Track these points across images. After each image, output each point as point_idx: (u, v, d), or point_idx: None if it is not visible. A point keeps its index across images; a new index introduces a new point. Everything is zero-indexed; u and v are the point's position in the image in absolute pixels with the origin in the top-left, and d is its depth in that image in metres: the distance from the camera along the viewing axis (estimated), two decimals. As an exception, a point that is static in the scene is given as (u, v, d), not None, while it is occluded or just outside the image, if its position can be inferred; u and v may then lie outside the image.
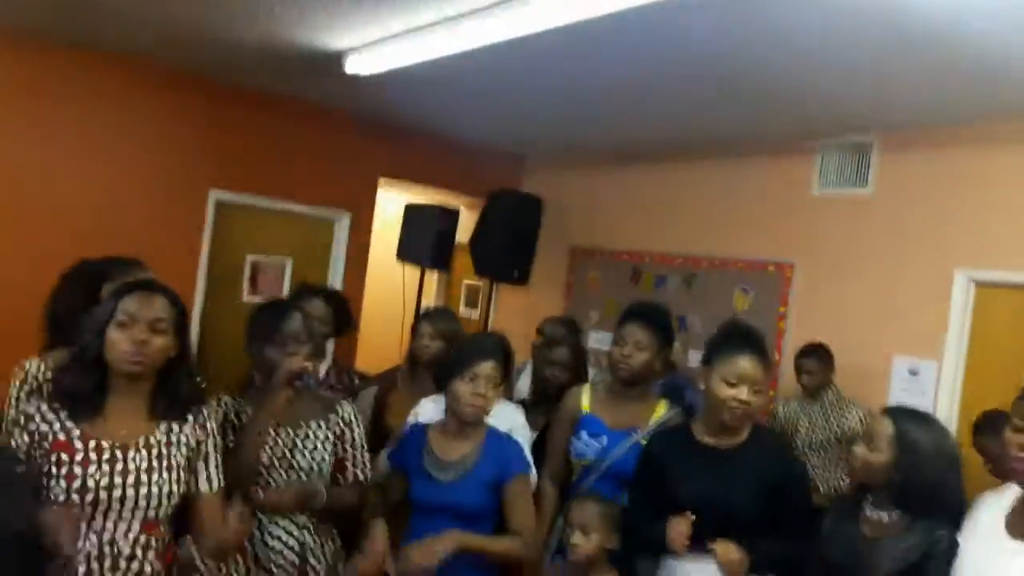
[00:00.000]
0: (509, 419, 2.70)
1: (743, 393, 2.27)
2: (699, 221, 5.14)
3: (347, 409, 2.40)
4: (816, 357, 4.04)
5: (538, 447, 2.90)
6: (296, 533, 2.26)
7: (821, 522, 2.25)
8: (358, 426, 2.40)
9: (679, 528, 2.23)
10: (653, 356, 2.69)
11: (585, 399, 2.78)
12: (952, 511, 2.02)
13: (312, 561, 2.27)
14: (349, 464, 2.37)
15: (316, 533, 2.31)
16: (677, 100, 4.11)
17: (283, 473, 2.24)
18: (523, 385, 3.80)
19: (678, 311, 5.03)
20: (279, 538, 2.24)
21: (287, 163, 5.13)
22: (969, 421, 3.84)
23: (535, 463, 2.79)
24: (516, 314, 5.97)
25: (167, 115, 4.66)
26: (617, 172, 5.68)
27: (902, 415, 2.16)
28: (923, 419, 2.16)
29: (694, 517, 2.22)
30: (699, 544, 2.23)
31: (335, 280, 5.43)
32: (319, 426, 2.32)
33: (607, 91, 4.11)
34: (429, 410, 2.73)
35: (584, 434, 2.68)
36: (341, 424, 2.37)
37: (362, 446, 2.40)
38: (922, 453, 2.05)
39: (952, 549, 1.98)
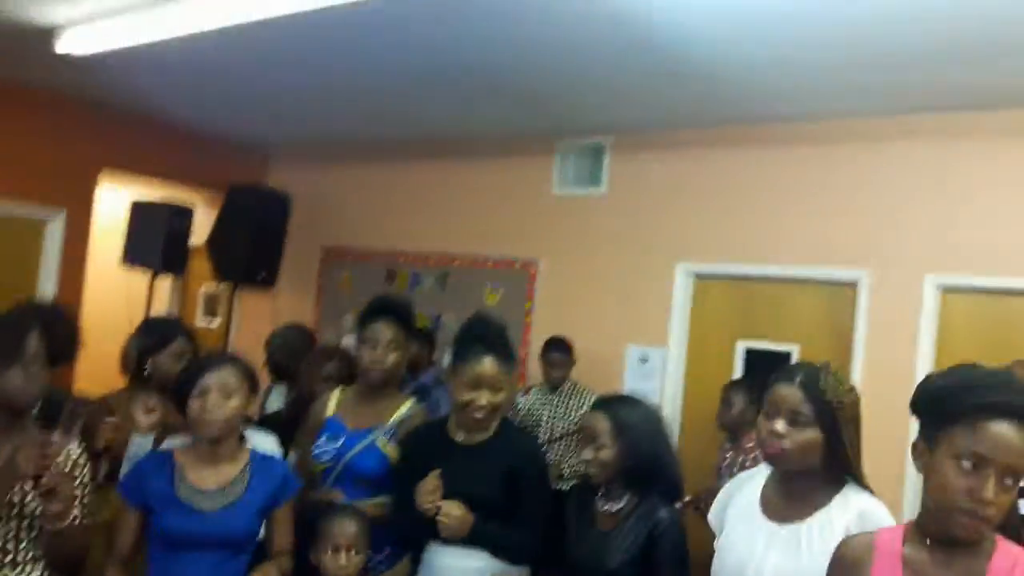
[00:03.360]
0: (261, 445, 2.52)
1: (483, 398, 2.33)
2: (451, 220, 5.19)
3: (74, 449, 2.10)
4: (562, 350, 4.22)
5: None
6: None
7: (564, 507, 2.34)
8: (83, 460, 2.10)
9: (426, 487, 2.27)
10: (405, 353, 2.66)
11: (332, 403, 2.70)
12: (671, 483, 2.23)
13: None
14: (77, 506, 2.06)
15: None
16: (422, 96, 4.12)
17: (12, 522, 1.98)
18: (274, 402, 3.64)
19: (433, 310, 5.06)
20: None
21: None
22: (692, 400, 4.28)
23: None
24: (261, 321, 5.63)
25: None
26: (368, 169, 5.58)
27: (611, 404, 2.29)
28: (629, 401, 2.31)
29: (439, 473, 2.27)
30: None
31: (47, 289, 4.77)
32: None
33: (352, 85, 4.02)
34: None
35: (323, 438, 2.60)
36: (69, 465, 2.06)
37: (84, 484, 2.10)
38: (638, 432, 2.20)
39: (674, 525, 2.15)
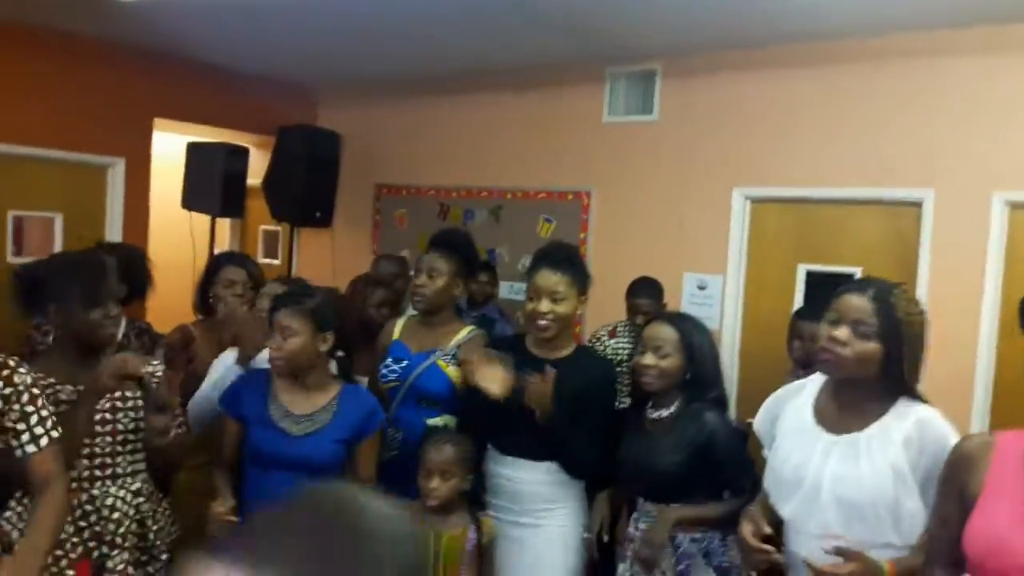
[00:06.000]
0: None
1: (541, 305, 2.43)
2: (501, 152, 5.16)
3: (156, 366, 2.25)
4: (651, 295, 3.95)
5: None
6: (131, 500, 2.16)
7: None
8: (166, 382, 2.24)
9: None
10: (449, 282, 2.71)
11: (398, 329, 2.81)
12: (721, 396, 2.35)
13: (151, 525, 2.20)
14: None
15: (150, 499, 2.22)
16: (468, 29, 4.05)
17: (107, 438, 2.13)
18: None
19: (487, 244, 5.08)
20: (116, 508, 2.13)
21: (47, 105, 4.52)
22: (754, 327, 4.25)
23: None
24: (321, 258, 5.76)
25: None
26: (417, 105, 5.55)
27: (676, 318, 2.42)
28: (690, 320, 2.41)
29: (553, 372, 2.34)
30: (508, 437, 2.45)
31: (114, 234, 4.91)
32: (135, 385, 2.16)
33: (397, 21, 3.98)
34: (230, 359, 2.64)
35: (390, 359, 2.70)
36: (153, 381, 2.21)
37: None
38: (702, 345, 2.33)
39: (724, 424, 2.26)
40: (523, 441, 2.44)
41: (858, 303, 1.74)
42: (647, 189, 4.55)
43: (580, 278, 2.50)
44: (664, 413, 2.30)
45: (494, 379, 2.35)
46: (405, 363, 2.67)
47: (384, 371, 2.70)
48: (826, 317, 1.80)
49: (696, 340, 2.32)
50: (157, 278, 3.40)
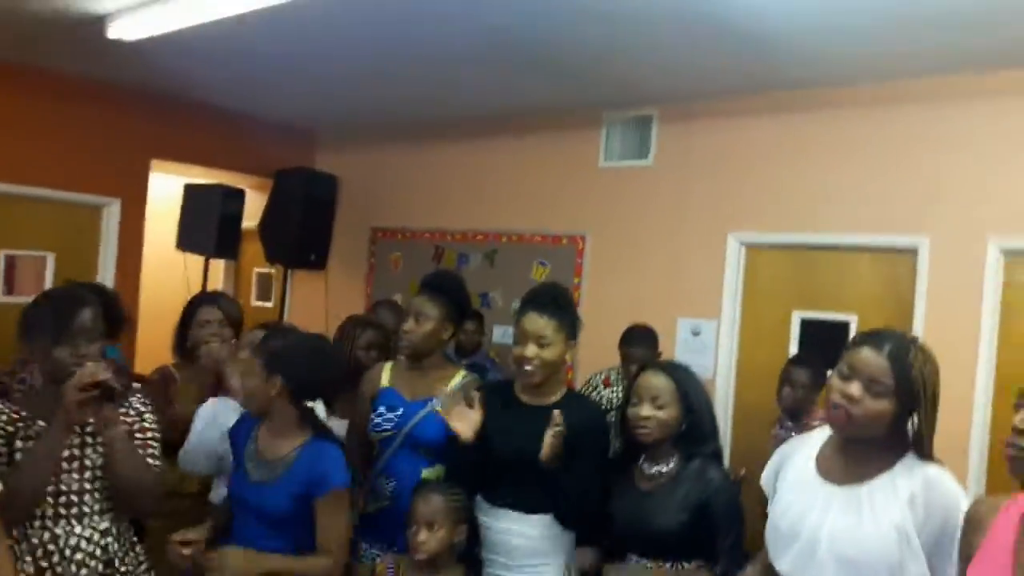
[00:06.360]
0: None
1: (527, 350, 2.37)
2: (497, 196, 5.18)
3: (136, 399, 2.21)
4: (645, 344, 3.90)
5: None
6: (99, 540, 2.09)
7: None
8: (150, 416, 2.21)
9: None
10: (437, 327, 2.63)
11: (385, 375, 2.73)
12: (716, 449, 2.29)
13: (118, 567, 2.12)
14: (142, 452, 2.16)
15: (120, 539, 2.14)
16: (465, 73, 4.09)
17: (74, 475, 2.06)
18: None
19: (481, 288, 5.06)
20: (80, 548, 2.06)
21: (43, 144, 4.54)
22: (748, 374, 4.21)
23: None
24: (314, 301, 5.73)
25: None
26: (414, 149, 5.59)
27: (670, 367, 2.35)
28: (683, 369, 2.36)
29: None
30: (499, 489, 2.39)
31: (106, 275, 4.89)
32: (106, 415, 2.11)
33: (395, 65, 4.01)
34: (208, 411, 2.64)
35: (382, 407, 2.62)
36: (133, 414, 2.17)
37: (153, 437, 2.20)
38: (699, 395, 2.28)
39: (727, 485, 2.20)
40: (513, 493, 2.36)
41: (874, 360, 1.66)
42: (642, 233, 4.55)
43: (568, 322, 2.43)
44: (663, 469, 2.24)
45: (463, 419, 2.32)
46: (401, 411, 2.59)
47: (378, 420, 2.61)
48: (838, 370, 1.72)
49: (692, 390, 2.27)
50: (148, 319, 3.39)
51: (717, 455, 2.28)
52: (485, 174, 5.23)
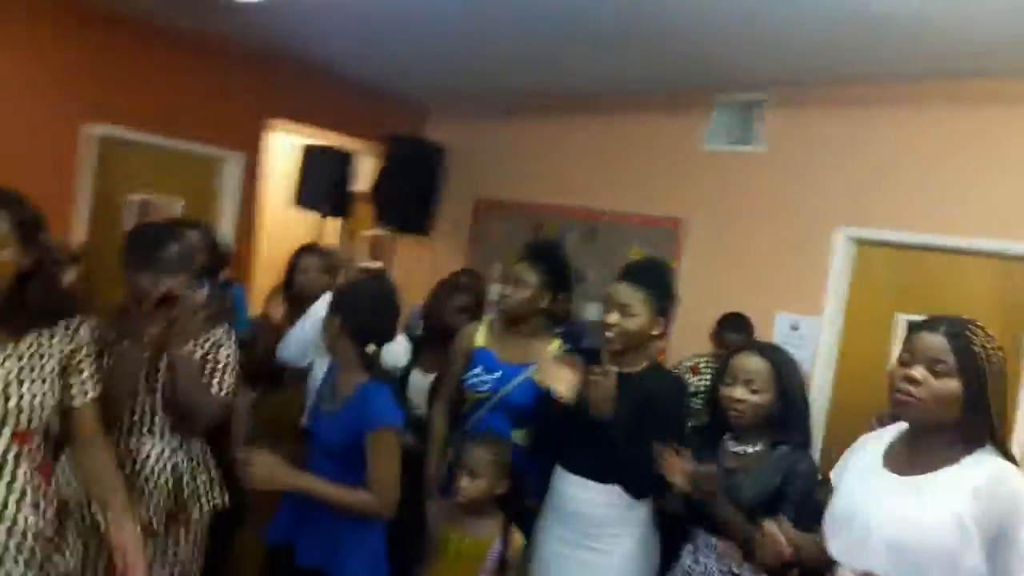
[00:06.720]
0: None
1: (610, 317, 2.41)
2: (599, 174, 5.18)
3: (220, 331, 2.38)
4: (739, 330, 3.88)
5: (436, 387, 2.98)
6: (168, 456, 2.26)
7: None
8: (228, 348, 2.37)
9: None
10: (536, 295, 2.69)
11: (481, 335, 2.80)
12: (806, 436, 2.26)
13: (185, 484, 2.28)
14: (208, 379, 2.32)
15: (190, 457, 2.31)
16: (575, 51, 4.10)
17: (152, 395, 2.24)
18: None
19: (577, 264, 5.06)
20: (149, 461, 2.23)
21: (173, 98, 4.83)
22: (847, 375, 4.09)
23: (432, 402, 2.91)
24: (419, 265, 5.91)
25: (41, 42, 4.31)
26: (520, 123, 5.65)
27: (768, 350, 2.31)
28: (782, 351, 2.32)
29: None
30: (576, 456, 2.40)
31: (226, 225, 5.20)
32: (192, 347, 2.30)
33: (512, 40, 4.07)
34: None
35: (479, 368, 2.70)
36: (210, 344, 2.34)
37: (225, 367, 2.34)
38: (795, 381, 2.24)
39: (811, 471, 2.15)
40: (589, 460, 2.39)
41: (932, 340, 1.65)
42: (745, 221, 4.47)
43: (658, 296, 2.43)
44: (748, 450, 2.22)
45: (562, 380, 2.34)
46: (499, 374, 2.66)
47: (475, 380, 2.69)
48: (899, 359, 1.71)
49: (788, 375, 2.23)
50: (265, 270, 3.68)
51: (805, 445, 2.24)
52: (588, 151, 5.23)
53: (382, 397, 2.27)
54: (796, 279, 4.23)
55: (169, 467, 2.26)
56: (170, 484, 2.25)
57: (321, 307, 2.81)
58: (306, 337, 2.91)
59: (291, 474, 2.16)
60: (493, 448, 2.45)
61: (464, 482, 2.40)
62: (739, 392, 2.20)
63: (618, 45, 3.92)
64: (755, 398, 2.19)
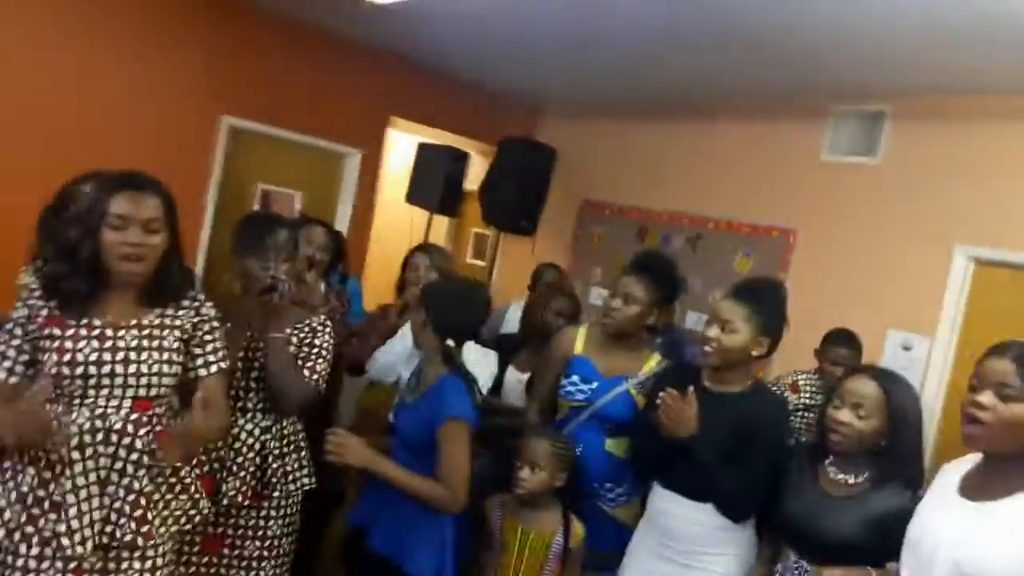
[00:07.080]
0: (472, 358, 2.73)
1: (711, 331, 2.35)
2: (707, 181, 5.13)
3: (318, 320, 2.45)
4: (850, 346, 3.71)
5: (530, 386, 3.01)
6: (258, 435, 2.34)
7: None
8: (323, 337, 2.43)
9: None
10: (644, 311, 2.62)
11: (580, 341, 2.75)
12: (914, 475, 2.11)
13: (272, 462, 2.35)
14: (302, 363, 2.38)
15: (279, 438, 2.38)
16: (689, 56, 4.08)
17: (247, 374, 2.34)
18: (512, 319, 3.99)
19: (681, 272, 5.03)
20: (239, 438, 2.31)
21: (301, 94, 5.11)
22: (955, 397, 3.88)
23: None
24: (521, 265, 6.00)
25: (183, 36, 4.62)
26: (630, 127, 5.66)
27: (885, 376, 2.18)
28: (900, 380, 2.19)
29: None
30: (673, 472, 2.37)
31: (343, 217, 5.46)
32: (290, 333, 2.38)
33: (625, 44, 4.09)
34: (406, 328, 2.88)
35: (576, 377, 2.67)
36: (307, 330, 2.41)
37: (319, 354, 2.40)
38: (910, 419, 2.11)
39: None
40: (684, 477, 2.35)
41: (999, 365, 1.62)
42: (859, 235, 4.32)
43: (763, 315, 2.35)
44: (850, 480, 2.13)
45: (684, 420, 2.25)
46: (595, 385, 2.62)
47: (571, 388, 2.66)
48: (969, 387, 1.68)
49: (903, 405, 2.10)
50: (378, 263, 3.83)
51: (914, 481, 2.11)
52: (697, 157, 5.19)
53: (455, 390, 2.28)
54: (910, 298, 4.07)
55: (257, 446, 2.33)
56: (257, 461, 2.32)
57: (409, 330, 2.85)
58: (394, 355, 2.94)
59: (369, 455, 2.20)
60: (554, 440, 2.47)
61: (525, 474, 2.42)
62: (845, 415, 2.11)
63: (731, 52, 3.88)
64: (860, 423, 2.09)
